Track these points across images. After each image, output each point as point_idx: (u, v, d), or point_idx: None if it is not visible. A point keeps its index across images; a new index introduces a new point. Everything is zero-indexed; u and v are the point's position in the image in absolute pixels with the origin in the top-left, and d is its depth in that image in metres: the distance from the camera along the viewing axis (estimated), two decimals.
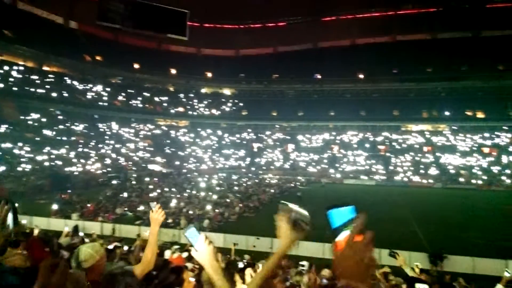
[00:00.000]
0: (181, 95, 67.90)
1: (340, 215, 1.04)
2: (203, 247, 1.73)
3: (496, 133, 55.74)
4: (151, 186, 34.50)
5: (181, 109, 65.40)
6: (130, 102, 60.41)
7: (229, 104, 69.57)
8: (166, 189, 33.22)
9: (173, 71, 68.39)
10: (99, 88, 57.53)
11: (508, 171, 48.19)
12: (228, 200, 29.00)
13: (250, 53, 78.96)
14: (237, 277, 3.75)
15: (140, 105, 61.42)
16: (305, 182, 47.13)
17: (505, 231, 21.13)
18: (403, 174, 51.39)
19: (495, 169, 49.48)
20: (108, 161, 44.52)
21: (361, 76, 66.24)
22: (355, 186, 46.01)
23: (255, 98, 69.58)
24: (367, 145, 59.27)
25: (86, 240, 9.34)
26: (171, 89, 69.36)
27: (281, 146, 62.47)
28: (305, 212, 1.56)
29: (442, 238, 18.70)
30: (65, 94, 50.98)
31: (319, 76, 68.48)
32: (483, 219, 24.87)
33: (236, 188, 37.20)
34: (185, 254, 7.03)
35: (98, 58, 59.81)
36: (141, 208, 24.02)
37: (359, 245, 0.96)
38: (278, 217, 1.55)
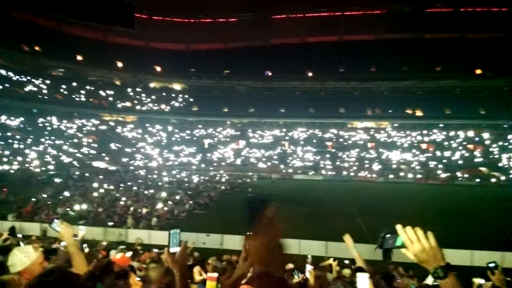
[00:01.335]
0: (129, 89, 65.54)
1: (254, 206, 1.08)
2: (177, 253, 1.82)
3: (433, 130, 60.05)
4: (95, 184, 33.06)
5: (128, 103, 63.13)
6: (73, 96, 57.29)
7: (179, 100, 68.30)
8: (112, 187, 32.04)
9: (120, 64, 65.71)
10: (38, 80, 53.95)
11: (443, 166, 52.01)
12: (177, 197, 28.58)
13: (201, 48, 77.91)
14: None
15: (84, 99, 58.45)
16: (255, 178, 47.61)
17: (438, 222, 22.82)
18: (349, 169, 53.62)
19: (432, 164, 53.16)
20: (48, 158, 41.96)
21: (310, 74, 67.94)
22: (304, 181, 47.24)
23: (206, 93, 68.90)
24: (316, 141, 61.12)
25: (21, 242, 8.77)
26: (118, 82, 66.67)
27: (232, 142, 62.52)
28: None
29: (382, 230, 19.77)
30: (0, 86, 47.24)
31: (269, 73, 69.28)
32: (420, 211, 26.62)
33: (186, 185, 36.74)
34: (129, 254, 6.86)
35: (37, 48, 56.00)
36: (85, 207, 22.99)
37: (267, 236, 1.03)
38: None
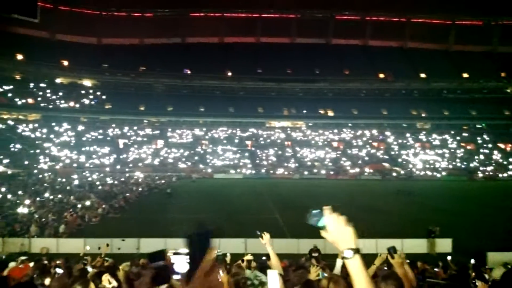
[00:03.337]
0: (31, 85, 59.36)
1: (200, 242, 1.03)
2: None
3: (342, 129, 64.71)
4: None
5: (30, 100, 57.22)
6: None
7: (90, 97, 63.72)
8: (12, 193, 28.81)
9: (20, 57, 59.25)
10: None
11: (351, 162, 56.24)
12: (89, 201, 26.73)
13: (114, 43, 73.84)
14: (91, 285, 3.53)
15: None
16: (174, 179, 46.58)
17: (346, 214, 24.64)
18: (268, 167, 55.23)
19: (342, 160, 57.17)
20: None
21: (229, 73, 68.51)
22: (225, 180, 47.52)
23: (120, 90, 65.32)
24: (236, 140, 61.81)
25: None
26: (18, 77, 60.00)
27: (149, 142, 60.32)
28: None
29: (298, 224, 20.78)
30: None
31: (188, 71, 68.24)
32: (329, 204, 28.46)
33: (99, 188, 34.57)
34: (31, 265, 6.27)
35: None
36: None
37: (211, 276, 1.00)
38: None
